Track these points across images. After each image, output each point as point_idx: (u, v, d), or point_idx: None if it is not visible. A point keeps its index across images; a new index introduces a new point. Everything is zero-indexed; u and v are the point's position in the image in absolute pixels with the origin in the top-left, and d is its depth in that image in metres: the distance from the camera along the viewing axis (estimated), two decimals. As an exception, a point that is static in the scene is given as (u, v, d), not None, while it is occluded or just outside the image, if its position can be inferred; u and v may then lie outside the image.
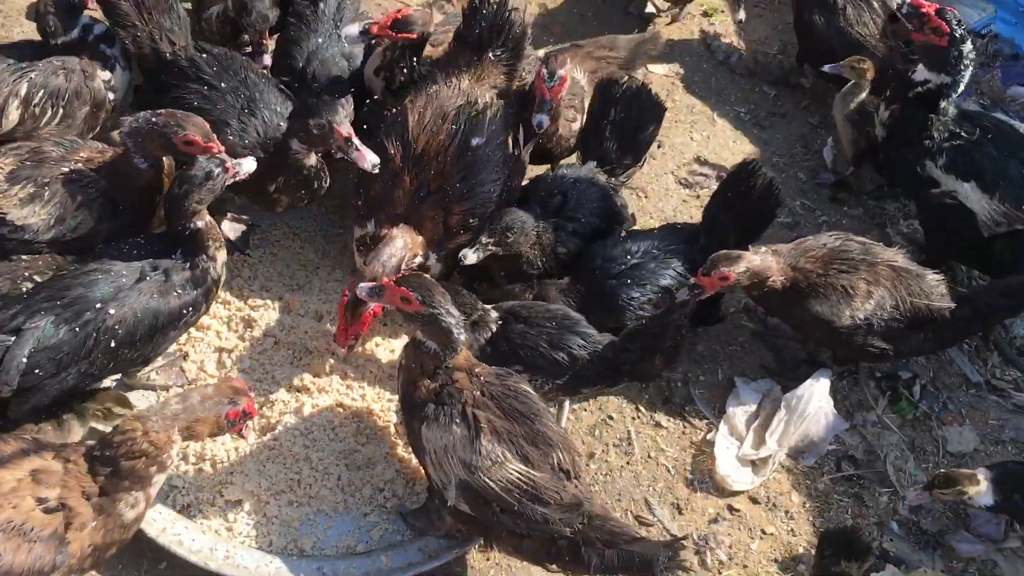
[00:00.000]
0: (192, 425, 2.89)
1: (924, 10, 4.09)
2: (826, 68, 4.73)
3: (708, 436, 4.00)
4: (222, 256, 3.44)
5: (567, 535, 3.02)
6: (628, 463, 3.91)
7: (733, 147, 5.20)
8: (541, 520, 3.00)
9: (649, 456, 3.95)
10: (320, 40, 4.17)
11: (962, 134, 4.18)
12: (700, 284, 3.65)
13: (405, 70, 3.99)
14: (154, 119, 3.35)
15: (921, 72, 4.21)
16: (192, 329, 3.79)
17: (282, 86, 3.91)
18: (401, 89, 4.01)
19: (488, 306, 3.61)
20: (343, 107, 3.65)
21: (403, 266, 3.57)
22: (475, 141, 3.75)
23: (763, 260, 3.71)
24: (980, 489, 3.53)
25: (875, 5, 4.99)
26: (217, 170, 3.28)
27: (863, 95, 4.64)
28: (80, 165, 3.51)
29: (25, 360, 3.04)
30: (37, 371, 3.07)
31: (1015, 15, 5.89)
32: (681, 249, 3.97)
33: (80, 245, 3.46)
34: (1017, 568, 3.75)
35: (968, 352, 4.48)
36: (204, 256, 3.36)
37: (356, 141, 3.54)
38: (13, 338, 3.04)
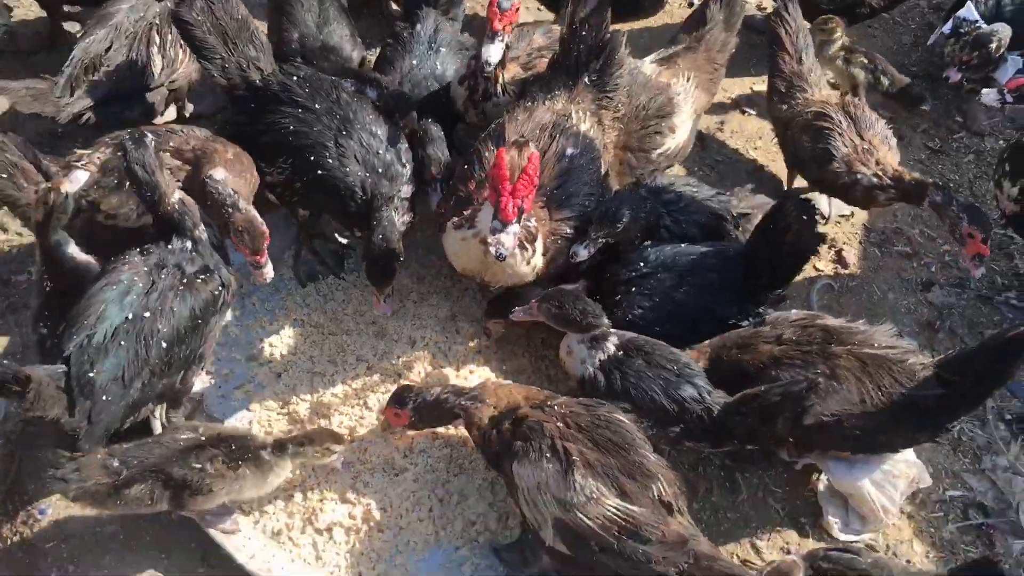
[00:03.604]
0: None
1: None
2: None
3: (816, 478, 3.74)
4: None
5: (672, 575, 2.84)
6: (734, 503, 3.69)
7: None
8: (643, 559, 2.83)
9: (757, 496, 3.72)
10: (414, 61, 4.17)
11: None
12: None
13: (489, 80, 3.93)
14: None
15: None
16: (284, 351, 3.79)
17: (377, 104, 3.88)
18: (484, 99, 3.96)
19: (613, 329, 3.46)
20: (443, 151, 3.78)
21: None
22: (570, 151, 3.66)
23: None
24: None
25: None
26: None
27: (839, 41, 4.97)
28: (167, 155, 3.60)
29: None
30: (105, 397, 3.08)
31: None
32: (714, 274, 3.68)
33: None
34: None
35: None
36: (199, 228, 3.32)
37: (439, 184, 3.74)
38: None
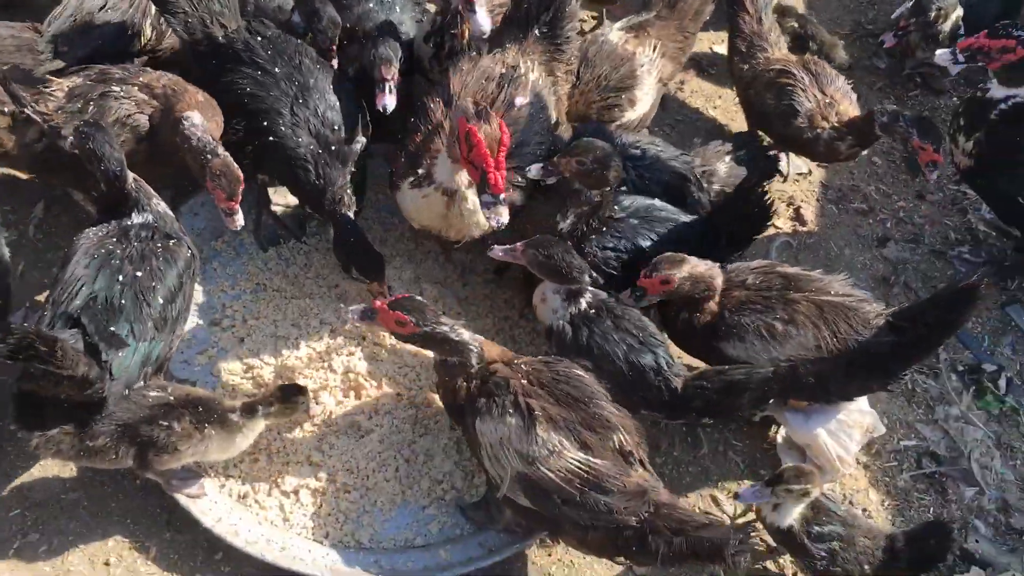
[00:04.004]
0: None
1: (978, 45, 3.83)
2: None
3: (774, 431, 3.82)
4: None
5: (633, 524, 2.89)
6: (695, 457, 3.76)
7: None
8: (605, 510, 2.88)
9: (718, 450, 3.79)
10: (371, 4, 4.10)
11: None
12: (642, 286, 3.43)
13: (456, 37, 3.90)
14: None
15: (999, 89, 3.90)
16: (247, 316, 3.77)
17: (335, 70, 3.83)
18: (449, 57, 3.93)
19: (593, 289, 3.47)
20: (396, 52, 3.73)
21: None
22: (519, 101, 3.63)
23: (709, 268, 3.46)
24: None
25: None
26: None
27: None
28: (135, 88, 3.56)
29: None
30: (121, 353, 3.05)
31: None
32: (679, 230, 3.71)
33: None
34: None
35: (1057, 342, 4.23)
36: (154, 200, 3.33)
37: (389, 85, 3.68)
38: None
